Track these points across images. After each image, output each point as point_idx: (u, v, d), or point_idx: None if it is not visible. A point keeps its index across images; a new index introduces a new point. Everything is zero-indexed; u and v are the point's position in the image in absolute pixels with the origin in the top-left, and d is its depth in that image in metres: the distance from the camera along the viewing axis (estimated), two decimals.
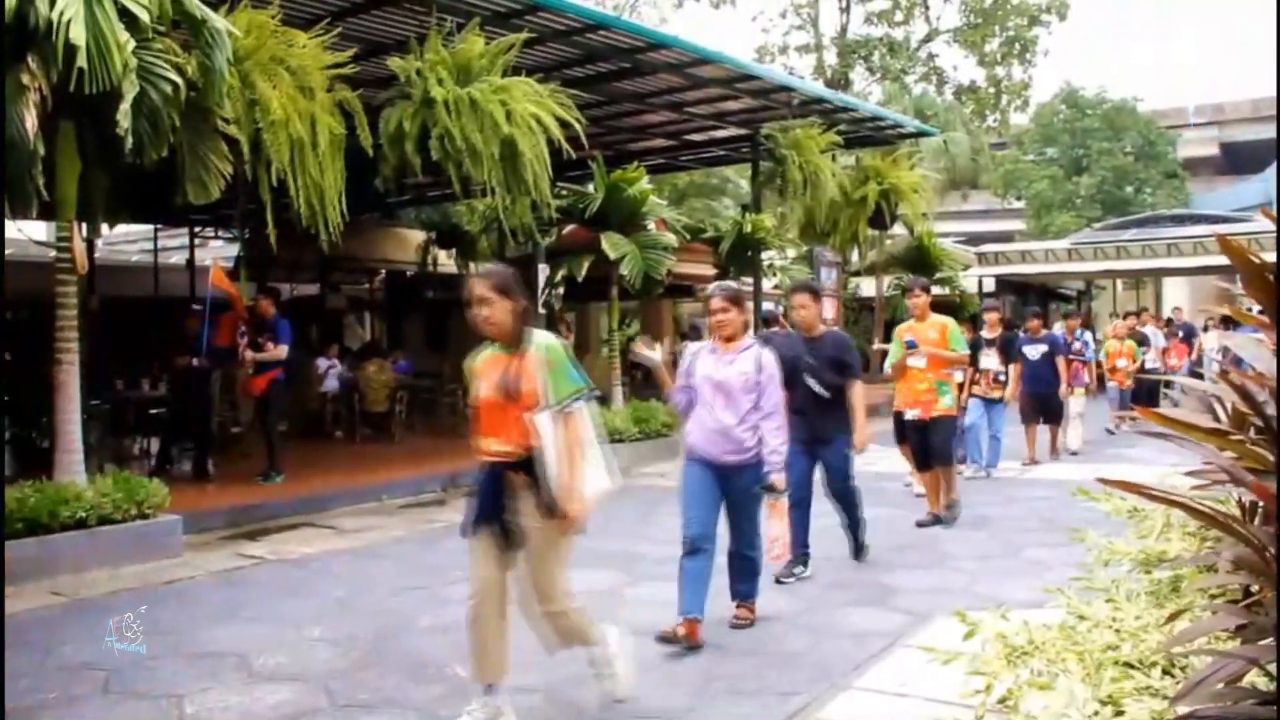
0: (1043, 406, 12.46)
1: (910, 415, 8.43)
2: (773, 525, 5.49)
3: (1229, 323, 16.75)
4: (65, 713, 4.51)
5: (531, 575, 4.15)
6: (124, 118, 6.60)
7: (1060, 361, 12.49)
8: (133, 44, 6.65)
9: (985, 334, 11.30)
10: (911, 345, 8.13)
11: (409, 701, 4.56)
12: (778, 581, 6.37)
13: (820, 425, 6.74)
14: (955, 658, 4.33)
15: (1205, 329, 20.35)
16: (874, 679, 4.74)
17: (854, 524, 7.18)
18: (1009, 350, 11.26)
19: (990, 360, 11.09)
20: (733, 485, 5.40)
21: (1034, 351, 12.27)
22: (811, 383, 6.70)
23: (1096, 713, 3.38)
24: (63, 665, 5.11)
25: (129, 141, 6.77)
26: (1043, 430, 12.68)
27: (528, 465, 4.05)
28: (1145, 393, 15.48)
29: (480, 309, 4.13)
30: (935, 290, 20.22)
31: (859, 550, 7.21)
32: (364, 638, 5.54)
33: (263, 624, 5.87)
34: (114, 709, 4.58)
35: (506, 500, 4.12)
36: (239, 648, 5.35)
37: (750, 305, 5.14)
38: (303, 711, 4.46)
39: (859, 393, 6.81)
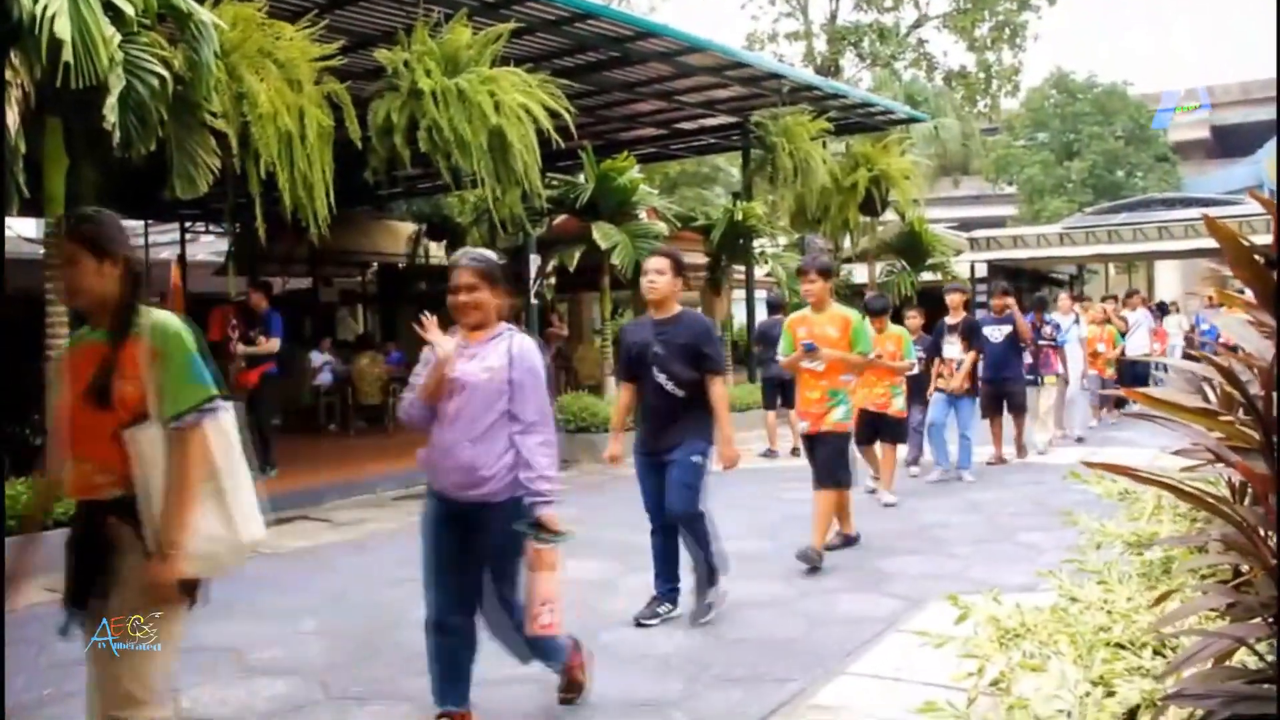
0: (1002, 396, 11.08)
1: (801, 428, 7.24)
2: (537, 583, 3.89)
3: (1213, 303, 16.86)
4: (60, 709, 4.50)
5: (114, 669, 2.89)
6: (110, 112, 6.57)
7: (1028, 344, 11.46)
8: (118, 38, 6.63)
9: (948, 319, 10.38)
10: (811, 349, 6.75)
11: (403, 693, 4.57)
12: (638, 624, 5.46)
13: (668, 430, 5.48)
14: (948, 641, 4.34)
15: (1166, 312, 20.57)
16: (868, 664, 4.76)
17: (702, 559, 5.55)
18: (973, 336, 10.30)
19: (953, 348, 10.19)
20: (477, 533, 3.94)
21: (995, 333, 11.02)
22: (660, 377, 5.46)
23: (1088, 694, 3.40)
24: (57, 662, 5.10)
25: (116, 136, 6.75)
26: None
27: (128, 506, 2.91)
28: (1130, 380, 14.77)
29: None
30: (926, 276, 20.44)
31: (704, 610, 5.55)
32: (358, 630, 5.55)
33: (257, 618, 5.87)
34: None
35: (108, 563, 2.96)
36: (233, 642, 5.35)
37: (502, 284, 3.98)
38: (298, 705, 4.47)
39: (721, 391, 5.51)
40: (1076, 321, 13.00)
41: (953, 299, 10.49)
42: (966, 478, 10.10)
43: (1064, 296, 13.85)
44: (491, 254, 4.16)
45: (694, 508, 5.43)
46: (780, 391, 11.84)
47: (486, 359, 3.88)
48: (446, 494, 3.97)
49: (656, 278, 5.49)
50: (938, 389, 10.22)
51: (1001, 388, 10.97)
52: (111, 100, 6.56)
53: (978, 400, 10.50)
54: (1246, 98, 42.43)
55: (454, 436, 3.85)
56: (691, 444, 5.42)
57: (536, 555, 3.86)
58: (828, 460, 6.83)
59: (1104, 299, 17.88)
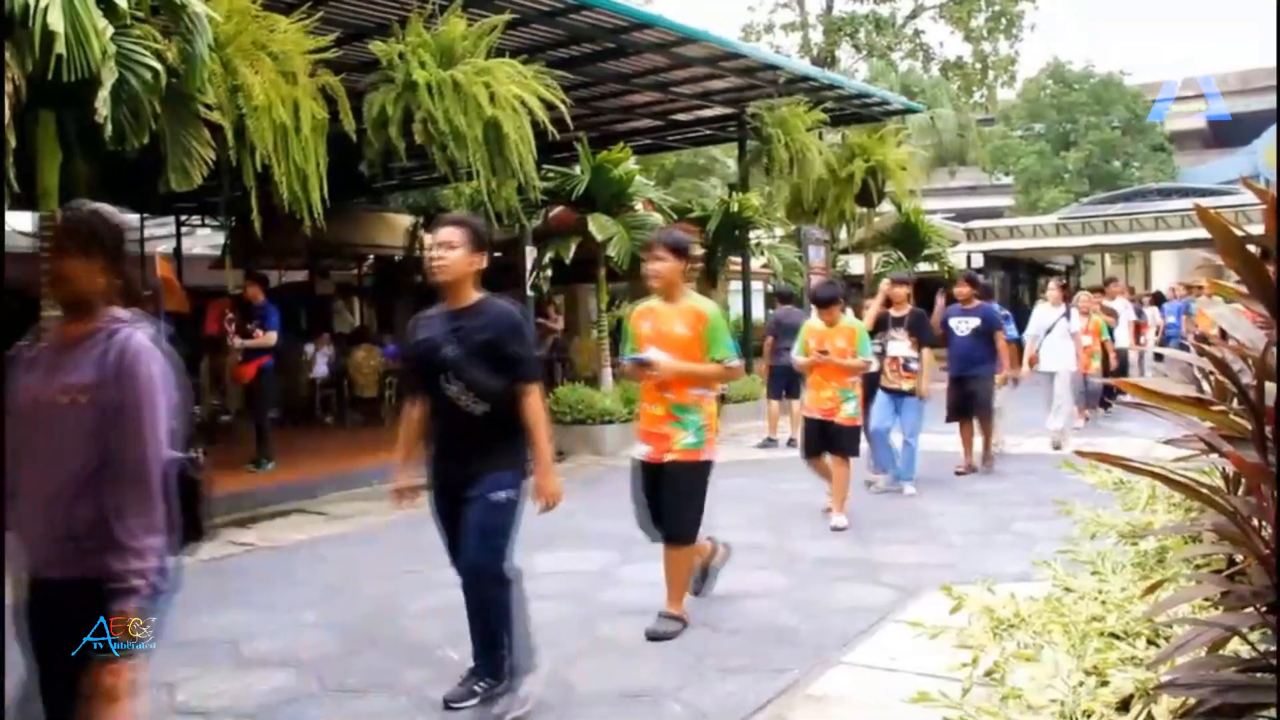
0: (968, 396, 9.86)
1: (639, 454, 5.35)
2: None
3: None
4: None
5: None
6: (104, 105, 6.55)
7: (1000, 340, 9.97)
8: (111, 30, 6.60)
9: (893, 312, 9.09)
10: (642, 362, 5.07)
11: (401, 685, 4.57)
12: (447, 706, 4.22)
13: (467, 459, 4.15)
14: (942, 631, 4.36)
15: (1163, 302, 20.29)
16: (863, 654, 4.78)
17: (500, 643, 4.24)
18: (920, 331, 9.02)
19: (899, 345, 8.94)
20: (58, 634, 2.58)
21: (962, 325, 9.94)
22: (452, 388, 4.10)
23: (1081, 683, 3.41)
24: None
25: (109, 130, 6.73)
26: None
27: None
28: (1114, 375, 13.31)
29: None
30: (923, 267, 20.46)
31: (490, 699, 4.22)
32: (355, 622, 5.56)
33: (254, 611, 5.88)
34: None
35: None
36: (230, 635, 5.36)
37: (107, 247, 2.33)
38: (294, 697, 4.48)
39: (536, 405, 4.18)
40: (1067, 315, 11.80)
41: (895, 291, 9.12)
42: (908, 490, 8.84)
43: (1053, 286, 12.66)
44: (101, 207, 2.70)
45: (494, 564, 4.15)
46: (787, 383, 11.88)
47: (77, 372, 2.57)
48: (40, 576, 2.65)
49: (445, 253, 4.16)
50: (881, 387, 8.97)
51: (967, 386, 9.84)
52: (104, 93, 6.54)
53: (925, 401, 9.08)
54: (1244, 87, 42.37)
55: (38, 489, 2.59)
56: (496, 476, 4.11)
57: (101, 675, 2.48)
58: (682, 498, 5.22)
59: (1095, 289, 16.65)
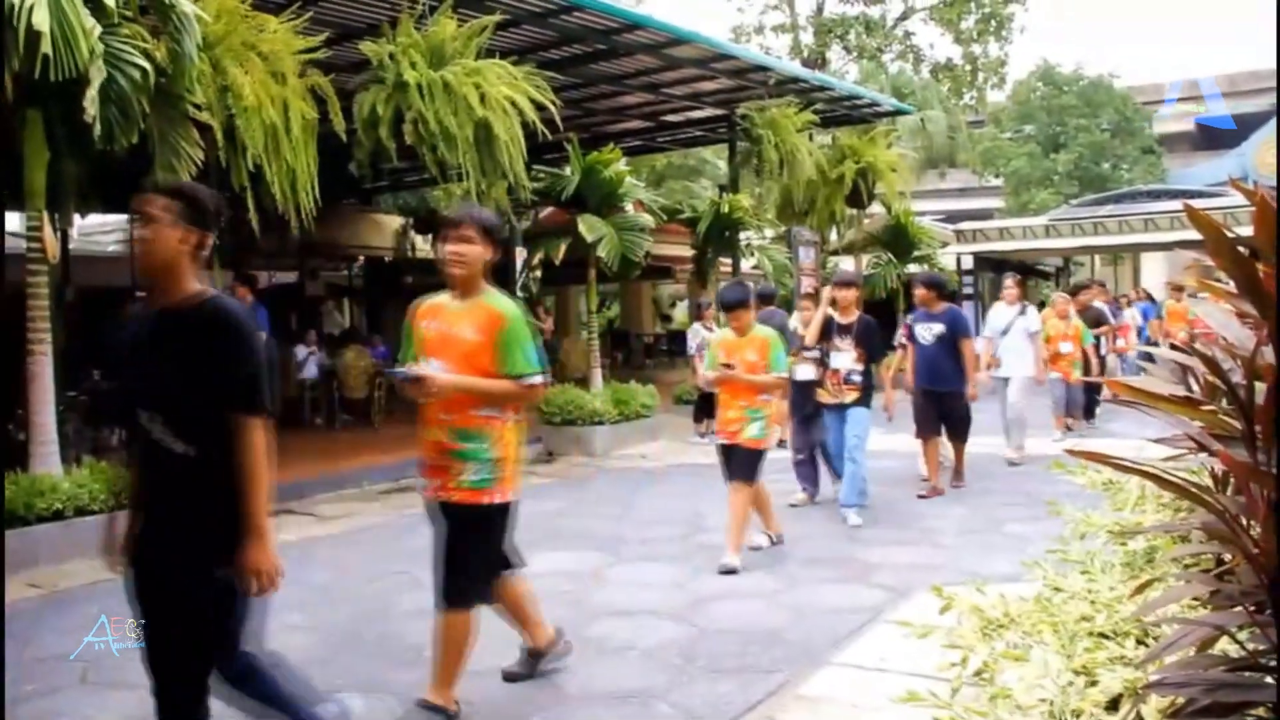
0: (942, 410, 9.03)
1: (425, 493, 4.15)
2: None
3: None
4: (44, 705, 4.49)
5: None
6: (91, 105, 6.54)
7: (967, 348, 8.96)
8: (99, 30, 6.59)
9: (839, 318, 8.07)
10: (406, 378, 3.91)
11: (388, 686, 4.55)
12: None
13: (164, 518, 3.10)
14: (932, 631, 4.36)
15: (1122, 305, 20.12)
16: (853, 654, 4.77)
17: None
18: (867, 341, 8.00)
19: (843, 357, 7.94)
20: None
21: (927, 333, 9.00)
22: (150, 424, 3.05)
23: (1070, 683, 3.41)
24: (41, 657, 5.09)
25: (98, 129, 6.71)
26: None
27: None
28: (1094, 387, 12.70)
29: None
30: (913, 268, 20.48)
31: None
32: (343, 623, 5.54)
33: None
34: (93, 700, 4.56)
35: None
36: None
37: None
38: None
39: (254, 445, 3.14)
40: (1023, 313, 10.87)
41: (841, 295, 8.07)
42: (852, 520, 7.72)
43: (1009, 283, 11.40)
44: None
45: (223, 655, 3.20)
46: None
47: None
48: None
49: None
50: (823, 405, 8.14)
51: (940, 401, 8.96)
52: (92, 93, 6.53)
53: (870, 410, 8.05)
54: (1231, 90, 42.56)
55: None
56: (200, 547, 3.04)
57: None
58: (470, 554, 3.99)
59: (1077, 289, 15.28)
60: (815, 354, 8.18)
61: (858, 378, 7.89)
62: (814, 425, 8.40)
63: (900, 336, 10.89)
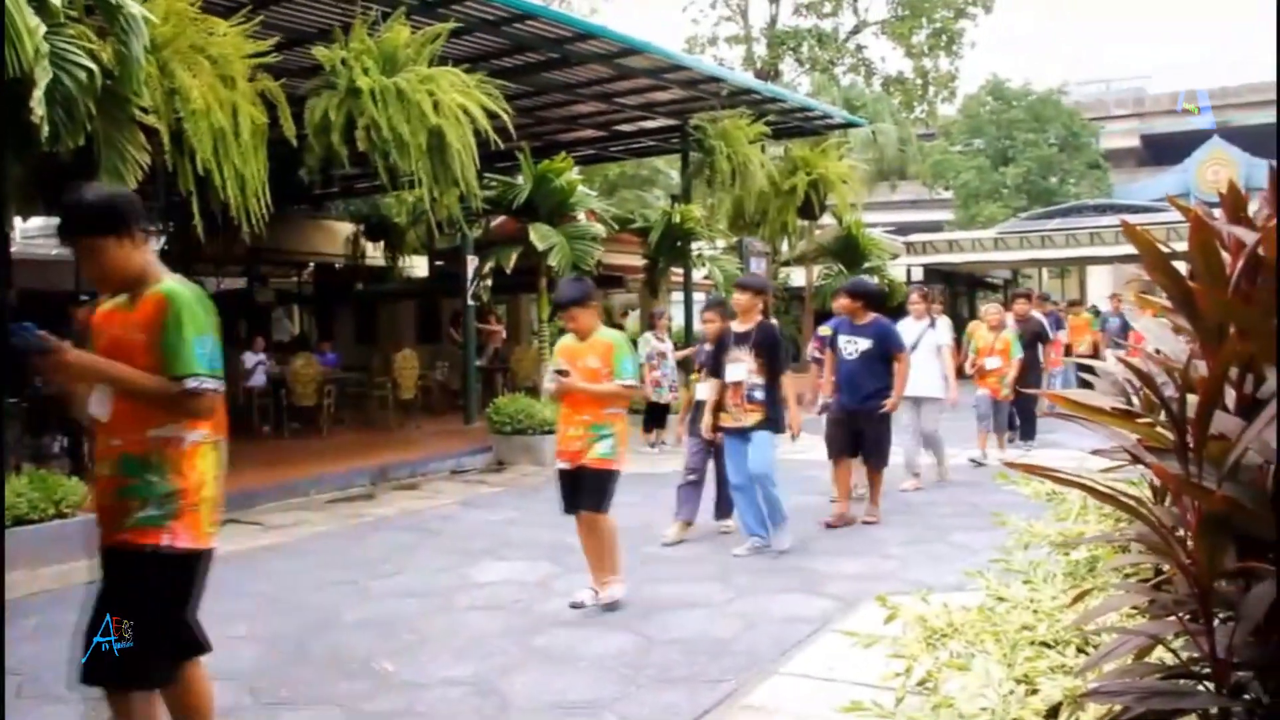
0: (860, 432, 8.19)
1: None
2: None
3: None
4: (34, 703, 4.41)
5: None
6: (38, 105, 6.44)
7: (900, 365, 8.25)
8: (44, 29, 6.49)
9: (736, 325, 7.27)
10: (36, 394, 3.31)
11: (333, 697, 4.52)
12: None
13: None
14: (877, 641, 4.39)
15: (1097, 316, 20.13)
16: (800, 664, 4.80)
17: None
18: (768, 351, 7.10)
19: (740, 368, 7.04)
20: None
21: (851, 346, 8.19)
22: None
23: (1011, 691, 3.45)
24: (30, 655, 4.98)
25: (45, 130, 6.62)
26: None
27: None
28: (1024, 408, 12.08)
29: None
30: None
31: None
32: (289, 634, 5.48)
33: None
34: (28, 714, 4.48)
35: None
36: None
37: None
38: (225, 710, 4.40)
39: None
40: (932, 326, 10.00)
41: (740, 300, 7.31)
42: (778, 546, 7.08)
43: (914, 296, 10.40)
44: None
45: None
46: None
47: None
48: None
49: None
50: (721, 428, 7.21)
51: (857, 421, 8.18)
52: (38, 93, 6.42)
53: (776, 434, 7.16)
54: (1176, 108, 43.53)
55: None
56: None
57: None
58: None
59: (1015, 297, 13.98)
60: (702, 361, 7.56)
61: (759, 394, 6.99)
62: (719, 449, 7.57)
63: (811, 351, 10.59)
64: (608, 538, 5.81)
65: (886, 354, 8.17)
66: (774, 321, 7.76)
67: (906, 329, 9.58)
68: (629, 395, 5.82)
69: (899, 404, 8.42)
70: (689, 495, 7.68)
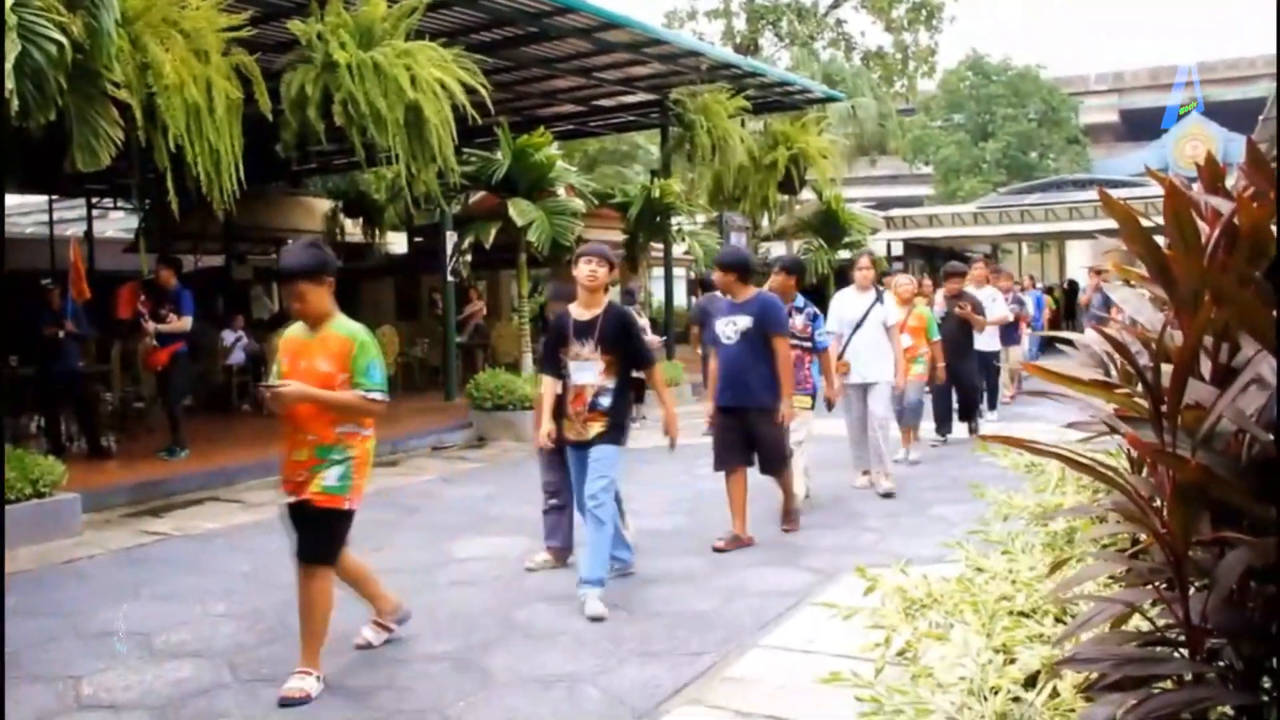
0: (748, 434, 6.67)
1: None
2: None
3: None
4: (24, 692, 4.38)
5: None
6: (7, 79, 6.35)
7: (780, 348, 6.56)
8: (11, 0, 6.40)
9: (577, 312, 5.70)
10: None
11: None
12: None
13: None
14: (856, 613, 4.42)
15: (1075, 291, 19.90)
16: (780, 636, 4.82)
17: None
18: (622, 344, 5.63)
19: (586, 370, 5.59)
20: None
21: (730, 329, 6.66)
22: None
23: (990, 661, 3.48)
24: (20, 652, 4.95)
25: (15, 104, 6.53)
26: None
27: None
28: (963, 395, 10.77)
29: None
30: (843, 254, 20.69)
31: None
32: (269, 612, 5.46)
33: (165, 601, 5.76)
34: (8, 694, 4.45)
35: None
36: (140, 626, 5.24)
37: None
38: (205, 688, 4.39)
39: None
40: (879, 300, 8.55)
41: (584, 271, 5.67)
42: (590, 607, 5.18)
43: (863, 262, 8.83)
44: None
45: None
46: None
47: None
48: None
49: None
50: (566, 443, 5.74)
51: (746, 422, 6.66)
52: (8, 66, 6.33)
53: (621, 447, 5.66)
54: (1154, 83, 43.66)
55: None
56: None
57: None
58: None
59: (950, 275, 11.18)
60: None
61: (606, 400, 5.55)
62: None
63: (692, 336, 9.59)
64: (320, 607, 4.39)
65: (766, 335, 6.58)
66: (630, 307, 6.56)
67: (849, 302, 8.58)
68: (371, 410, 4.41)
69: (794, 410, 6.87)
70: (554, 522, 6.25)
